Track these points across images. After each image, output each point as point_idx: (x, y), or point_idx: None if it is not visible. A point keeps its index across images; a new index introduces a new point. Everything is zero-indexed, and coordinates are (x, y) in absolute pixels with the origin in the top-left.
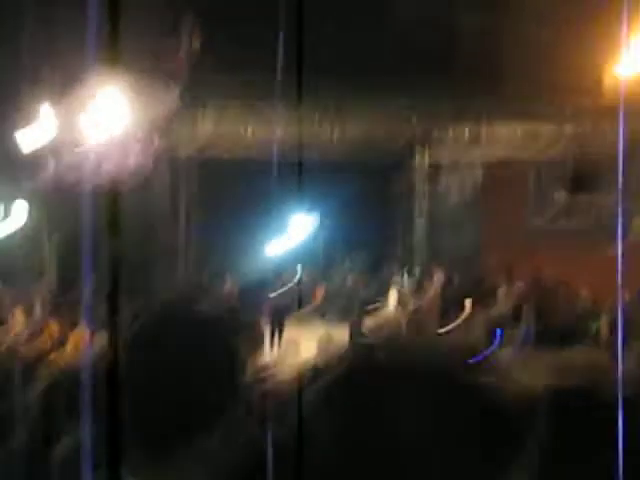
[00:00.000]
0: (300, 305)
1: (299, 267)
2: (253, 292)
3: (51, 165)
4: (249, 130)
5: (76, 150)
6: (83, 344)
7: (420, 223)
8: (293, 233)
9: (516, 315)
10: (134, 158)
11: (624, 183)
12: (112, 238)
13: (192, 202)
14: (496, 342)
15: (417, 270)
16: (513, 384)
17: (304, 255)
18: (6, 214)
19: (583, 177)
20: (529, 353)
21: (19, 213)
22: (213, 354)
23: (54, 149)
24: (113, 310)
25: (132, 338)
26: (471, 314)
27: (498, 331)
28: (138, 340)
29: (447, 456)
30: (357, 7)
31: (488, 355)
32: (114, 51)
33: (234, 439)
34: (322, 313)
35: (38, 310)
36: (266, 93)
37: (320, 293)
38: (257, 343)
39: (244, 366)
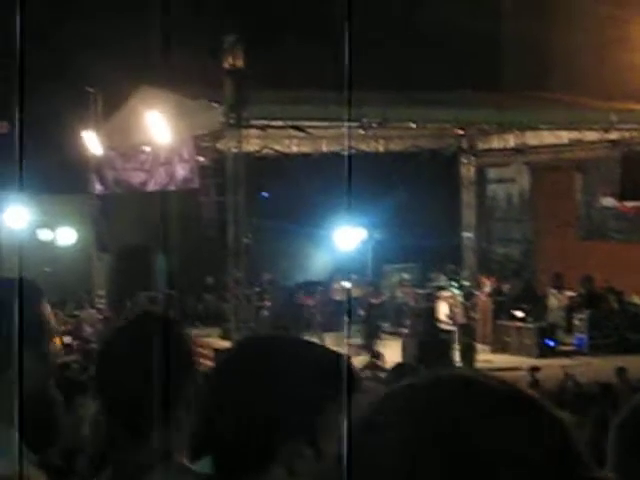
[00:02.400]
0: (350, 318)
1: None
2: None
3: (97, 184)
4: (293, 147)
5: (123, 169)
6: None
7: (468, 234)
8: (342, 246)
9: (569, 324)
10: (180, 176)
11: None
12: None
13: (241, 213)
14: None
15: (466, 281)
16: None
17: (352, 267)
18: (55, 235)
19: (631, 183)
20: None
21: (67, 234)
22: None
23: (100, 168)
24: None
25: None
26: (522, 324)
27: (550, 342)
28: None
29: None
30: (402, 22)
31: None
32: (163, 73)
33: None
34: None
35: (88, 330)
36: (310, 111)
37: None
38: None
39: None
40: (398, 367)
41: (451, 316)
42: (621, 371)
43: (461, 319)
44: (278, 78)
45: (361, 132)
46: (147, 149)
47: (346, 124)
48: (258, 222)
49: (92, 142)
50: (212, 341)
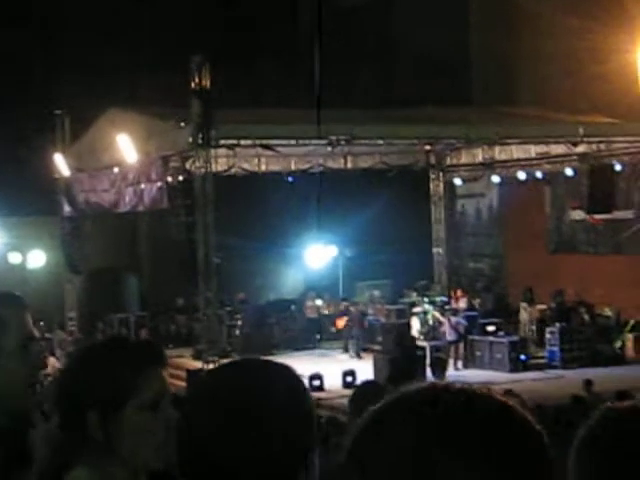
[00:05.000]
0: (320, 335)
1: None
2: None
3: (66, 205)
4: (262, 166)
5: (92, 191)
6: None
7: (438, 250)
8: (312, 263)
9: (540, 337)
10: (149, 196)
11: None
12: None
13: (210, 233)
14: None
15: (437, 297)
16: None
17: (323, 285)
18: (24, 258)
19: (599, 195)
20: (556, 375)
21: (37, 257)
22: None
23: (69, 190)
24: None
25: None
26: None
27: (523, 356)
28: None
29: None
30: (370, 39)
31: None
32: (130, 94)
33: None
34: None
35: (58, 352)
36: (279, 130)
37: (341, 322)
38: None
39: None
40: (364, 385)
41: (422, 331)
42: (588, 384)
43: (432, 334)
44: (247, 97)
45: (329, 149)
46: (116, 170)
47: (314, 142)
48: (228, 241)
49: (61, 164)
50: (184, 362)
